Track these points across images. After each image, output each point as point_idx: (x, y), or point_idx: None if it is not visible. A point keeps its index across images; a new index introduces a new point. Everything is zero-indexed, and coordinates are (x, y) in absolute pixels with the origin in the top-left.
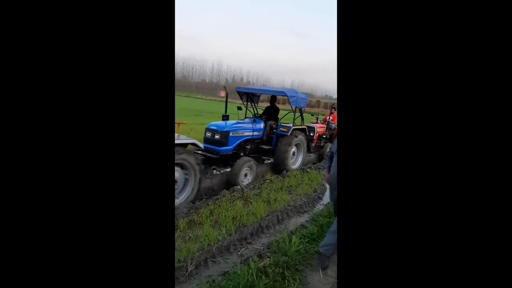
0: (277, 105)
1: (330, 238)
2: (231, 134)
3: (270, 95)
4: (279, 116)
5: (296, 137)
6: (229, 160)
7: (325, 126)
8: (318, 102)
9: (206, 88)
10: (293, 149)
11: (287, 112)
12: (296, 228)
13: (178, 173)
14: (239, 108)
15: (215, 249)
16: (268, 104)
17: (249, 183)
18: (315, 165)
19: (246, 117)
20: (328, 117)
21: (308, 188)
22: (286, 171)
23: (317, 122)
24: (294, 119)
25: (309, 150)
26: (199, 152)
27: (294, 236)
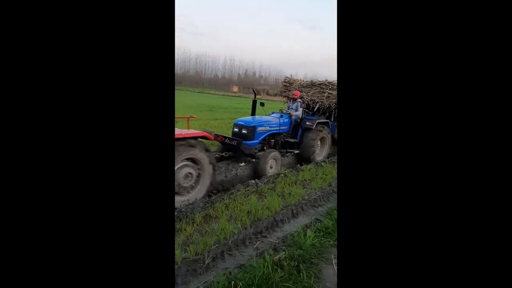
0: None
1: None
2: None
3: None
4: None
5: None
6: None
7: None
8: None
9: (219, 83)
10: None
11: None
12: (311, 222)
13: None
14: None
15: (231, 242)
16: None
17: None
18: (329, 159)
19: None
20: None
21: (322, 182)
22: None
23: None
24: None
25: None
26: None
27: (309, 230)
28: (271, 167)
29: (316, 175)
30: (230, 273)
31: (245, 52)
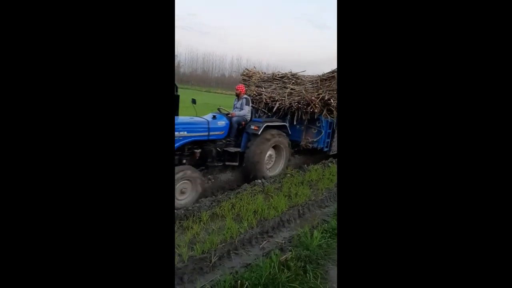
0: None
1: None
2: None
3: None
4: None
5: None
6: None
7: None
8: None
9: (226, 83)
10: None
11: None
12: (318, 223)
13: None
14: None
15: (238, 241)
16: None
17: None
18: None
19: None
20: None
21: (329, 183)
22: None
23: None
24: None
25: None
26: None
27: (315, 231)
28: (182, 193)
29: (323, 175)
30: (236, 272)
31: (252, 52)
